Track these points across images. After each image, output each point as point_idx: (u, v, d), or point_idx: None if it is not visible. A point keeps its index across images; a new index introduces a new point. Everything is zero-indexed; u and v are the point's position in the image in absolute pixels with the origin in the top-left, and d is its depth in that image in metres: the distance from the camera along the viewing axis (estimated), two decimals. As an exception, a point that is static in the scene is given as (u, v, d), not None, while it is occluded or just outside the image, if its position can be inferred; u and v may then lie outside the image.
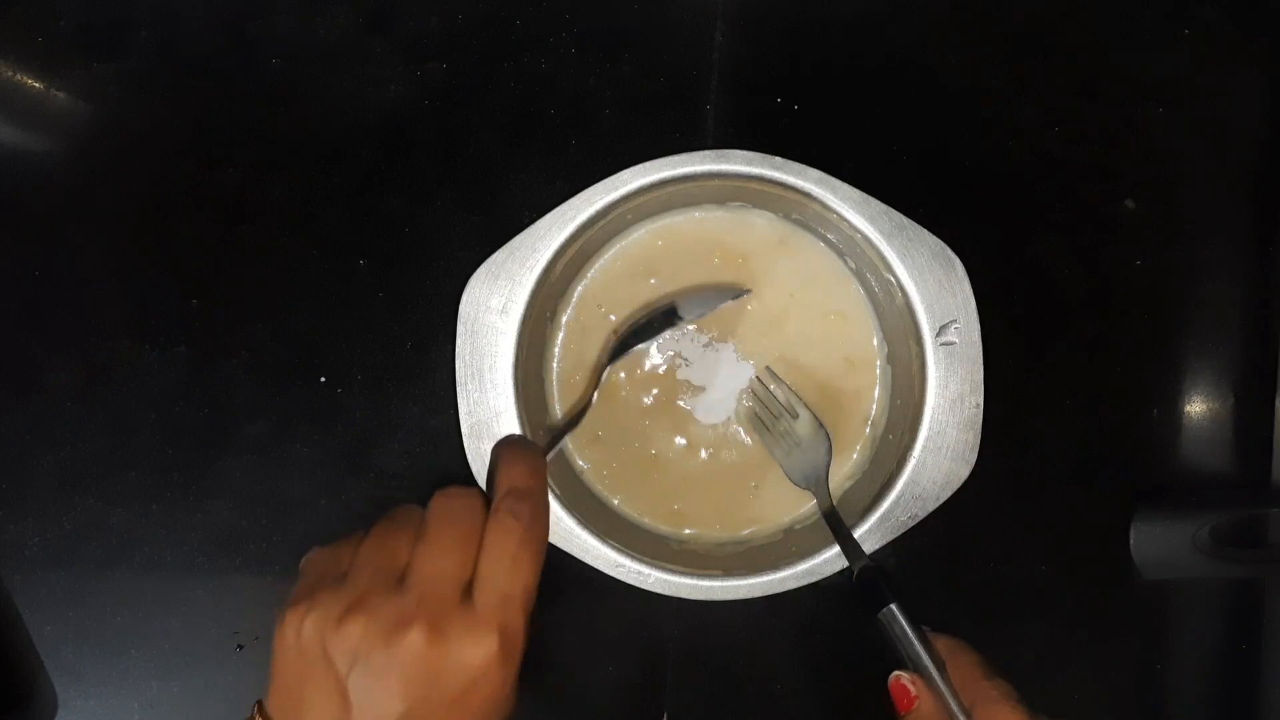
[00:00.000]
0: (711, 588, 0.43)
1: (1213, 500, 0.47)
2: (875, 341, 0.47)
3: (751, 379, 0.46)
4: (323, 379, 0.48)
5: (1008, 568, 0.49)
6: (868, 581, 0.38)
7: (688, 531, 0.47)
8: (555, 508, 0.43)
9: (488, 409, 0.43)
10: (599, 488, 0.47)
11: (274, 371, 0.48)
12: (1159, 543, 0.47)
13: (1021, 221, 0.49)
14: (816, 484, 0.44)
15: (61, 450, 0.48)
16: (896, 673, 0.37)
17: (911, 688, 0.36)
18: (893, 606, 0.37)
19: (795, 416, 0.45)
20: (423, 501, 0.48)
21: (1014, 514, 0.49)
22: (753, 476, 0.47)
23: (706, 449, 0.47)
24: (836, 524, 0.42)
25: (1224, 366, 0.49)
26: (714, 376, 0.47)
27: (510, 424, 0.43)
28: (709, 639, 0.49)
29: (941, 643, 0.37)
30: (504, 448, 0.40)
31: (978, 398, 0.43)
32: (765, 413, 0.45)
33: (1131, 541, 0.48)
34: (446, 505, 0.36)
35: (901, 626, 0.37)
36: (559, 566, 0.47)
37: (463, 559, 0.34)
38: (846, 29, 0.49)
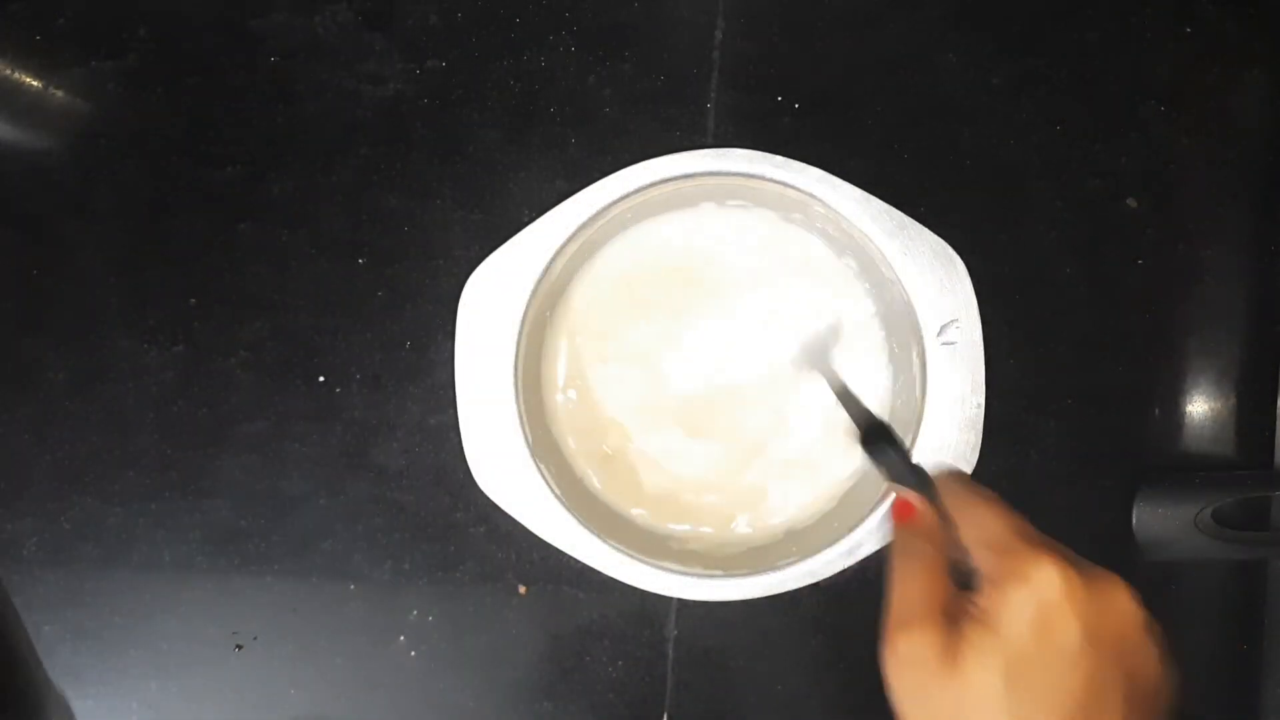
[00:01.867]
0: (711, 588, 0.43)
1: (1215, 483, 0.47)
2: (876, 341, 0.47)
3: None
4: (321, 378, 0.48)
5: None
6: (870, 429, 0.42)
7: (688, 531, 0.47)
8: (555, 507, 0.43)
9: (488, 409, 0.43)
10: (599, 488, 0.47)
11: (273, 370, 0.48)
12: (1161, 523, 0.47)
13: (1022, 220, 0.49)
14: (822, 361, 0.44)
15: (59, 449, 0.48)
16: (899, 491, 0.39)
17: (914, 500, 0.38)
18: (904, 449, 0.41)
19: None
20: (423, 501, 0.48)
21: (1014, 514, 0.49)
22: (754, 476, 0.47)
23: (708, 448, 0.47)
24: (843, 393, 0.43)
25: (1225, 366, 0.49)
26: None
27: (510, 424, 0.43)
28: (709, 639, 0.49)
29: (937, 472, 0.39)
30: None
31: (979, 397, 0.43)
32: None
33: (1134, 522, 0.48)
34: None
35: (896, 453, 0.40)
36: (559, 566, 0.47)
37: None
38: (847, 27, 0.49)
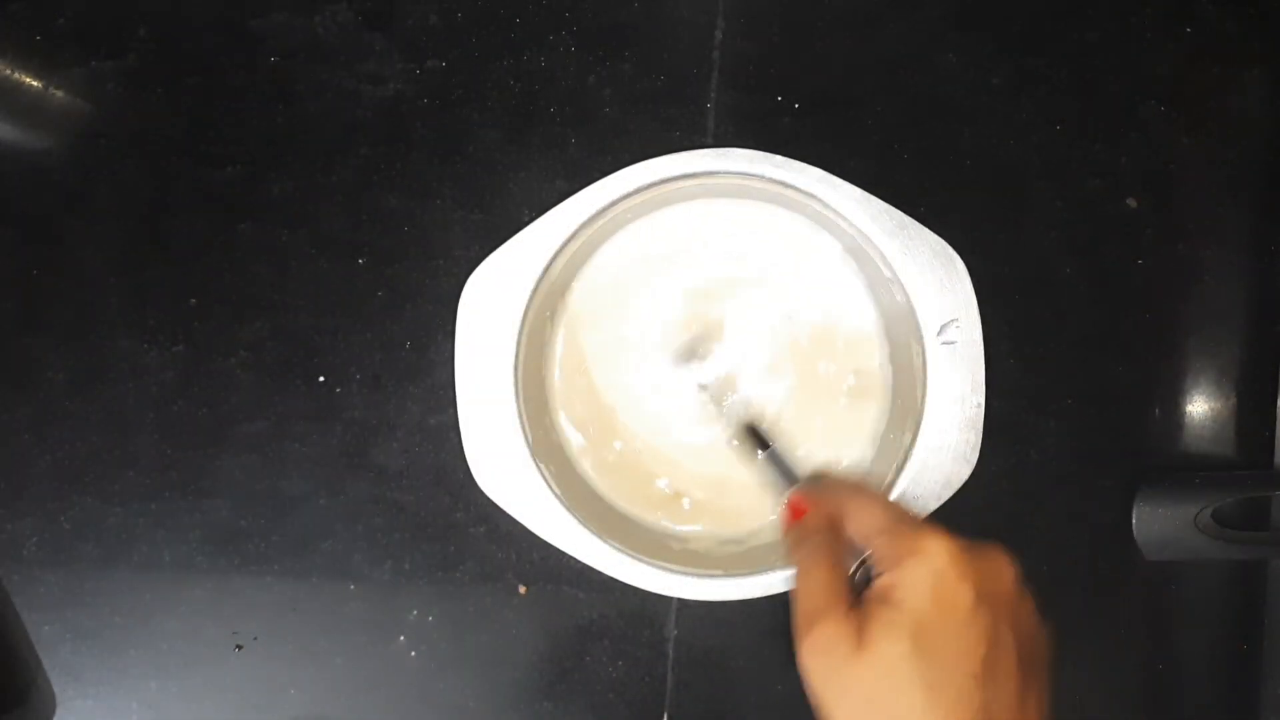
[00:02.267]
0: (711, 588, 0.43)
1: (1215, 483, 0.47)
2: (876, 340, 0.47)
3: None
4: (321, 378, 0.48)
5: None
6: (753, 432, 0.45)
7: (688, 531, 0.47)
8: (555, 507, 0.43)
9: (487, 408, 0.43)
10: (600, 487, 0.47)
11: (272, 370, 0.48)
12: (1161, 523, 0.47)
13: (1022, 220, 0.49)
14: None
15: (59, 449, 0.48)
16: (786, 494, 0.42)
17: (801, 501, 0.41)
18: (772, 448, 0.44)
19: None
20: (423, 501, 0.48)
21: (1014, 514, 0.49)
22: (754, 475, 0.47)
23: (710, 449, 0.47)
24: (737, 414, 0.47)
25: (1225, 366, 0.49)
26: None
27: (510, 424, 0.43)
28: (709, 639, 0.48)
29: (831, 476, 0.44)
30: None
31: (979, 397, 0.43)
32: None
33: (1133, 522, 0.48)
34: None
35: (782, 460, 0.44)
36: (559, 566, 0.47)
37: None
38: (847, 27, 0.49)
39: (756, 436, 0.45)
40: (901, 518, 0.36)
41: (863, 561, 0.37)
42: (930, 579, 0.33)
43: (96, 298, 0.48)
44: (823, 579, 0.36)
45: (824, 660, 0.34)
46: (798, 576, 0.36)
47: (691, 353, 0.46)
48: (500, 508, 0.44)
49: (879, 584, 0.34)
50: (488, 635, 0.48)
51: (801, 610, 0.35)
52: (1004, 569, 0.35)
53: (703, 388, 0.46)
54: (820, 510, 0.39)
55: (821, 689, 0.34)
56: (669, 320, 0.47)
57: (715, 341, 0.47)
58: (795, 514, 0.41)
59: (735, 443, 0.46)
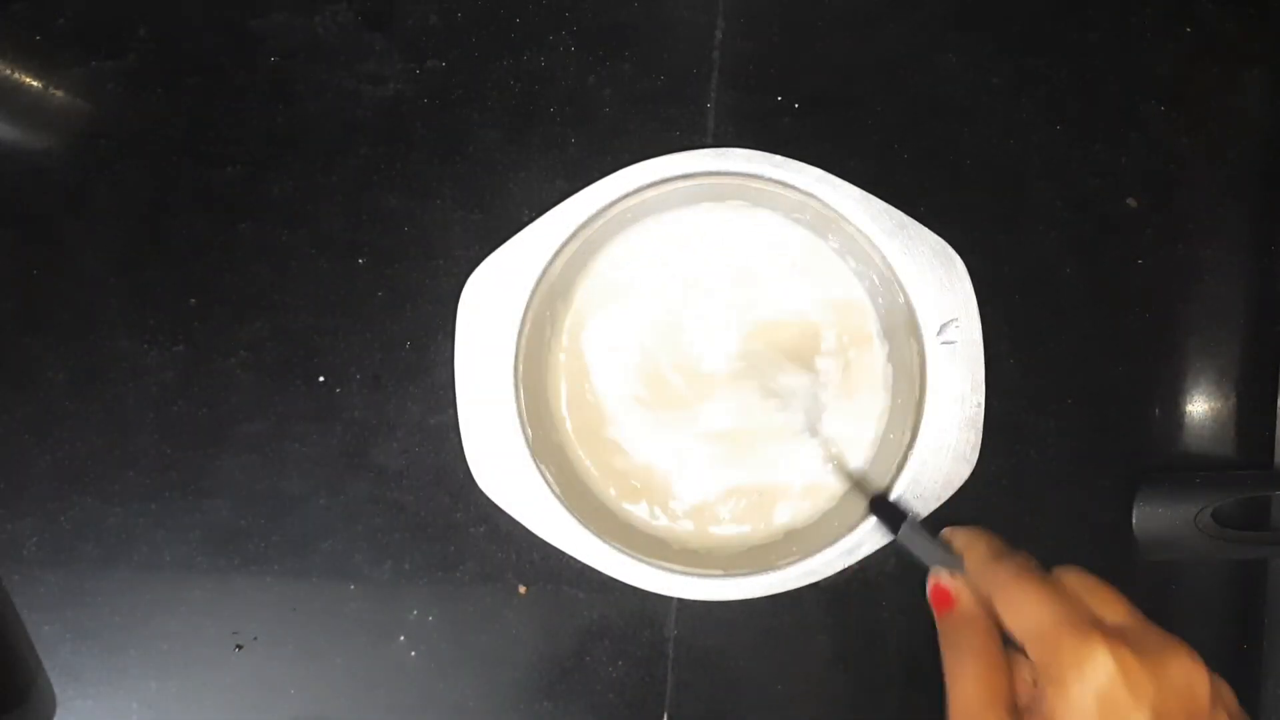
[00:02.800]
0: (711, 588, 0.43)
1: (1215, 483, 0.47)
2: (876, 340, 0.47)
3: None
4: (321, 378, 0.48)
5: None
6: (881, 505, 0.41)
7: (688, 531, 0.47)
8: (555, 507, 0.43)
9: (488, 409, 0.43)
10: (600, 487, 0.47)
11: (272, 370, 0.48)
12: (1161, 523, 0.47)
13: (1022, 220, 0.49)
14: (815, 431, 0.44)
15: (59, 449, 0.48)
16: (933, 574, 0.36)
17: (950, 587, 0.35)
18: (911, 517, 0.39)
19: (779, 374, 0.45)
20: (423, 501, 0.48)
21: (1014, 514, 0.49)
22: (754, 475, 0.47)
23: (709, 447, 0.47)
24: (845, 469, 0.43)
25: (1225, 366, 0.49)
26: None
27: (510, 424, 0.43)
28: (709, 639, 0.48)
29: (959, 536, 0.37)
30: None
31: (979, 397, 0.43)
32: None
33: (1133, 521, 0.48)
34: None
35: (922, 533, 0.38)
36: (559, 566, 0.47)
37: None
38: (847, 27, 0.49)
39: (887, 508, 0.40)
40: (1065, 617, 0.31)
41: None
42: (1095, 703, 0.29)
43: (96, 298, 0.48)
44: (980, 684, 0.32)
45: None
46: (951, 677, 0.33)
47: (817, 419, 0.44)
48: (500, 508, 0.44)
49: (1043, 703, 0.30)
50: (488, 635, 0.48)
51: (955, 712, 0.32)
52: (1188, 676, 0.30)
53: (826, 449, 0.44)
54: (973, 598, 0.34)
55: None
56: (669, 320, 0.47)
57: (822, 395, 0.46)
58: (944, 602, 0.35)
59: (876, 521, 0.41)
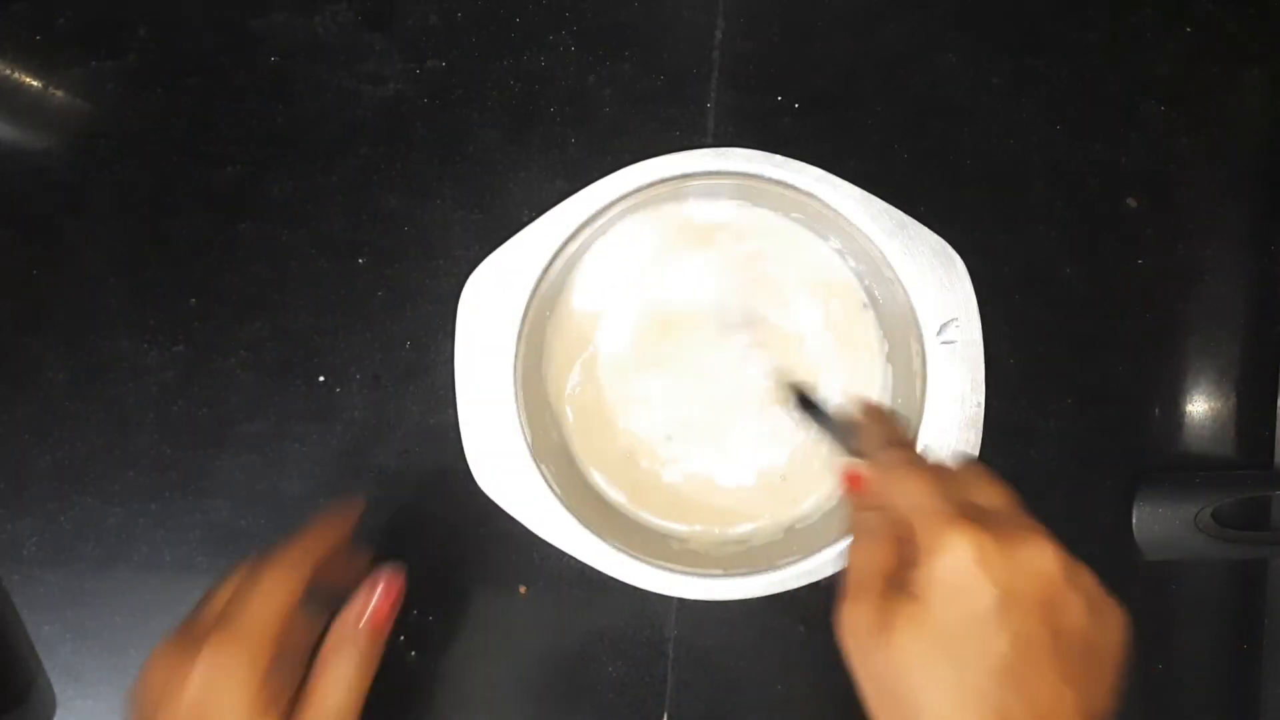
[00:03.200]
0: (711, 588, 0.43)
1: (1215, 483, 0.47)
2: (876, 340, 0.47)
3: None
4: (321, 378, 0.48)
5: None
6: (803, 399, 0.45)
7: (688, 531, 0.47)
8: (555, 508, 0.43)
9: (488, 409, 0.43)
10: (600, 487, 0.47)
11: (272, 370, 0.48)
12: (1161, 523, 0.47)
13: (1022, 220, 0.49)
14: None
15: (60, 448, 0.48)
16: (845, 462, 0.40)
17: (859, 472, 0.39)
18: (819, 412, 0.43)
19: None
20: (422, 500, 0.48)
21: (1014, 513, 0.49)
22: (754, 475, 0.47)
23: (709, 446, 0.47)
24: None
25: (1225, 366, 0.49)
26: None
27: (510, 423, 0.43)
28: (709, 639, 0.48)
29: (861, 419, 0.42)
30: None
31: (979, 396, 0.43)
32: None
33: (1133, 521, 0.48)
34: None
35: (834, 424, 0.43)
36: (559, 566, 0.47)
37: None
38: (847, 27, 0.49)
39: (803, 399, 0.44)
40: (938, 503, 0.34)
41: None
42: (951, 576, 0.32)
43: (96, 298, 0.48)
44: (868, 557, 0.35)
45: (851, 640, 0.34)
46: (850, 548, 0.36)
47: (738, 320, 0.46)
48: (500, 508, 0.44)
49: (910, 575, 0.33)
50: (488, 635, 0.48)
51: (846, 583, 0.35)
52: (1044, 560, 0.32)
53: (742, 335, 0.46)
54: (874, 483, 0.38)
55: (851, 662, 0.34)
56: (670, 319, 0.47)
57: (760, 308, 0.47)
58: (853, 484, 0.39)
59: (792, 406, 0.45)
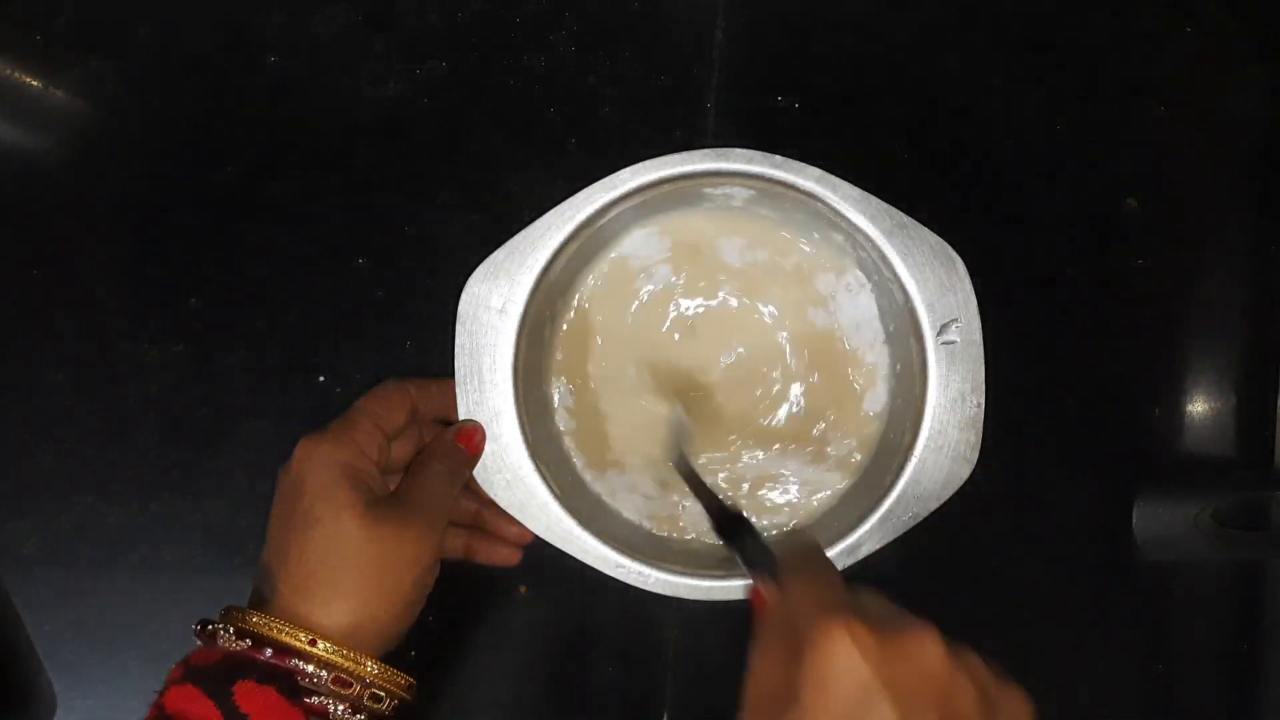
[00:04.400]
0: (711, 588, 0.43)
1: (1214, 482, 0.47)
2: (876, 340, 0.47)
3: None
4: (322, 378, 0.48)
5: (1008, 567, 0.49)
6: (723, 518, 0.40)
7: (688, 531, 0.47)
8: (555, 508, 0.43)
9: (487, 409, 0.43)
10: (599, 488, 0.47)
11: (273, 370, 0.48)
12: (1160, 523, 0.47)
13: (1022, 220, 0.49)
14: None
15: (60, 448, 0.48)
16: (755, 580, 0.38)
17: (763, 591, 0.36)
18: (738, 540, 0.39)
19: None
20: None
21: (1014, 514, 0.49)
22: (754, 475, 0.47)
23: (709, 447, 0.47)
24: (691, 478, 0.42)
25: (1225, 366, 0.49)
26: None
27: (510, 423, 0.43)
28: (709, 639, 0.48)
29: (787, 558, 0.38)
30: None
31: (979, 397, 0.43)
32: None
33: (1133, 521, 0.48)
34: None
35: (744, 539, 0.39)
36: (559, 566, 0.47)
37: None
38: (847, 27, 0.49)
39: (723, 521, 0.41)
40: (821, 602, 0.32)
41: None
42: (827, 670, 0.30)
43: (96, 298, 0.48)
44: (759, 675, 0.34)
45: None
46: (748, 666, 0.34)
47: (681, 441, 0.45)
48: (500, 508, 0.44)
49: (793, 680, 0.31)
50: (488, 635, 0.48)
51: (744, 702, 0.34)
52: (926, 649, 0.31)
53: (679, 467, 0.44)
54: (774, 603, 0.36)
55: None
56: (669, 320, 0.47)
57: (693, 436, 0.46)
58: (757, 602, 0.37)
59: (713, 530, 0.41)
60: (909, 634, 0.31)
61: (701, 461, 0.47)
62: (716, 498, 0.41)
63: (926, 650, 0.31)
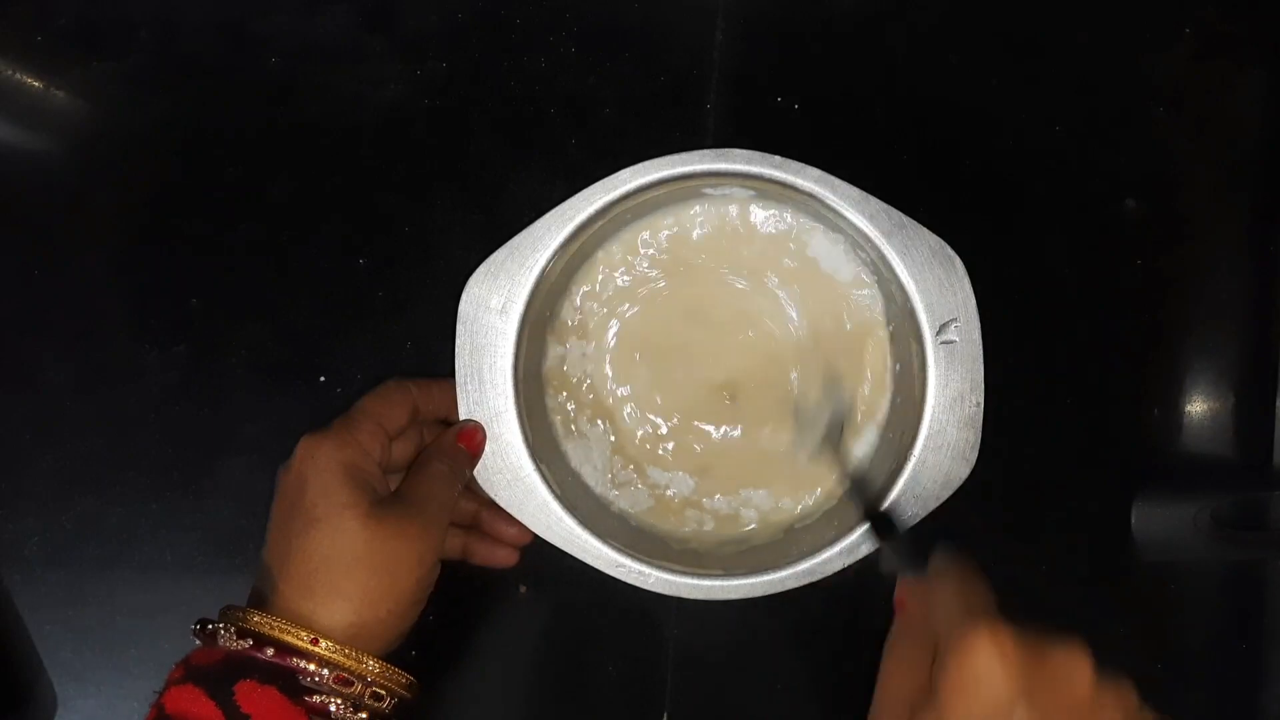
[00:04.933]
0: (711, 588, 0.43)
1: (1214, 483, 0.48)
2: (875, 340, 0.47)
3: None
4: (322, 378, 0.48)
5: (1007, 567, 0.49)
6: (878, 518, 0.42)
7: (688, 531, 0.47)
8: (555, 508, 0.43)
9: (488, 409, 0.43)
10: (599, 488, 0.47)
11: (273, 371, 0.48)
12: (1159, 523, 0.47)
13: (1022, 220, 0.49)
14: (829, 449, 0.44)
15: (61, 449, 0.48)
16: (902, 580, 0.37)
17: (908, 592, 0.36)
18: (894, 536, 0.40)
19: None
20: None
21: (1014, 514, 0.49)
22: (754, 475, 0.47)
23: (709, 447, 0.47)
24: (860, 487, 0.43)
25: (1224, 366, 0.49)
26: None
27: (510, 424, 0.43)
28: (709, 639, 0.49)
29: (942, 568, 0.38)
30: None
31: (978, 396, 0.43)
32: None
33: (1133, 522, 0.48)
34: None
35: (902, 549, 0.40)
36: (559, 566, 0.47)
37: None
38: (847, 28, 0.49)
39: (881, 521, 0.41)
40: (965, 606, 0.31)
41: None
42: (969, 676, 0.29)
43: (97, 298, 0.48)
44: (897, 682, 0.33)
45: None
46: (881, 669, 0.34)
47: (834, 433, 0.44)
48: (500, 508, 0.44)
49: (933, 683, 0.31)
50: (487, 635, 0.48)
51: (874, 708, 0.33)
52: (1075, 668, 0.30)
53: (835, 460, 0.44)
54: (916, 604, 0.35)
55: None
56: (669, 320, 0.47)
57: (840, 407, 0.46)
58: (899, 605, 0.37)
59: (865, 525, 0.42)
60: (1058, 651, 0.30)
61: (702, 456, 0.47)
62: (871, 489, 0.41)
63: (1075, 671, 0.30)
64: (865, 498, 0.42)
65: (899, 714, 0.32)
